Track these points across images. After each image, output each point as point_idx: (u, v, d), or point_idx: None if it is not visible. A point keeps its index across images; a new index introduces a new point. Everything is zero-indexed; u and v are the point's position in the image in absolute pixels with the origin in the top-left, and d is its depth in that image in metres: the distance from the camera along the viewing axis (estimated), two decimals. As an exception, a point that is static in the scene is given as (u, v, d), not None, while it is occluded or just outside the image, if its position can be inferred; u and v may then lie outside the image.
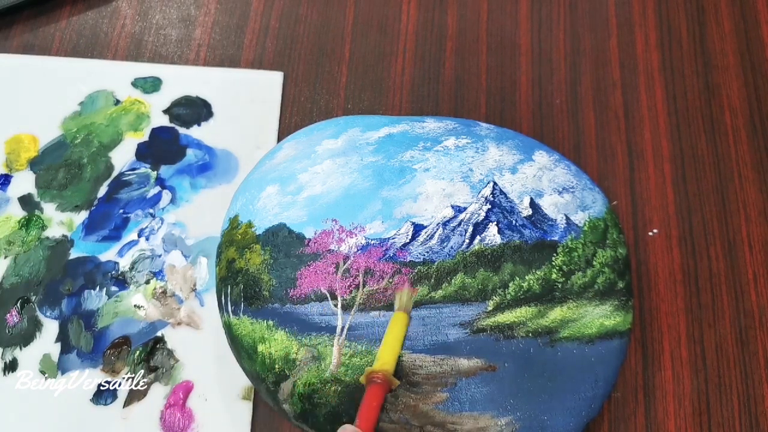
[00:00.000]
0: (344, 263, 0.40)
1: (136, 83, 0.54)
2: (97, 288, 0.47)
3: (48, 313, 0.46)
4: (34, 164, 0.51)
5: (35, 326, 0.46)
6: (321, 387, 0.38)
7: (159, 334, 0.46)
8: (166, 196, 0.50)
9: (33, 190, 0.50)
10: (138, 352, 0.45)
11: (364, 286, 0.40)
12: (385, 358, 0.38)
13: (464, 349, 0.39)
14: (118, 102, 0.53)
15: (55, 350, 0.45)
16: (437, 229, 0.41)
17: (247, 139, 0.52)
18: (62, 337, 0.45)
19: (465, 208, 0.42)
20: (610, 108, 0.55)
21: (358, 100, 0.55)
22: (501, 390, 0.39)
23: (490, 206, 0.42)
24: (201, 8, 0.58)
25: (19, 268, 0.47)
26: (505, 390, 0.39)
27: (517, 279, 0.40)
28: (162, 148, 0.51)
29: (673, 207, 0.51)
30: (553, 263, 0.41)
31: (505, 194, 0.43)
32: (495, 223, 0.42)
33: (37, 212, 0.49)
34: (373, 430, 0.36)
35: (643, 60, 0.57)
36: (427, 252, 0.41)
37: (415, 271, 0.40)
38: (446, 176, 0.43)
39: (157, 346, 0.45)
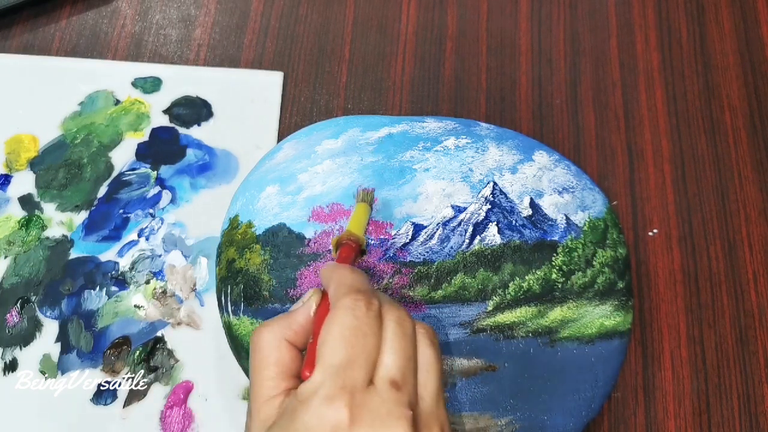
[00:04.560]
0: (344, 263, 0.40)
1: (136, 83, 0.54)
2: (97, 288, 0.47)
3: (48, 313, 0.46)
4: (34, 164, 0.51)
5: (35, 326, 0.46)
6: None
7: (159, 334, 0.46)
8: (166, 196, 0.50)
9: (33, 190, 0.50)
10: (138, 352, 0.45)
11: (364, 286, 0.40)
12: (352, 229, 0.38)
13: (464, 349, 0.39)
14: (118, 102, 0.53)
15: (55, 350, 0.45)
16: (437, 229, 0.41)
17: (247, 139, 0.52)
18: (62, 337, 0.45)
19: (465, 208, 0.42)
20: (610, 108, 0.55)
21: (358, 100, 0.55)
22: (501, 390, 0.39)
23: (490, 206, 0.42)
24: (201, 8, 0.58)
25: (19, 268, 0.47)
26: (505, 390, 0.39)
27: (517, 279, 0.40)
28: (162, 148, 0.51)
29: (673, 207, 0.51)
30: (553, 263, 0.41)
31: (505, 194, 0.43)
32: (495, 223, 0.42)
33: (37, 212, 0.49)
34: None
35: (643, 60, 0.57)
36: (427, 252, 0.41)
37: (415, 271, 0.40)
38: (446, 176, 0.43)
39: (157, 346, 0.45)
